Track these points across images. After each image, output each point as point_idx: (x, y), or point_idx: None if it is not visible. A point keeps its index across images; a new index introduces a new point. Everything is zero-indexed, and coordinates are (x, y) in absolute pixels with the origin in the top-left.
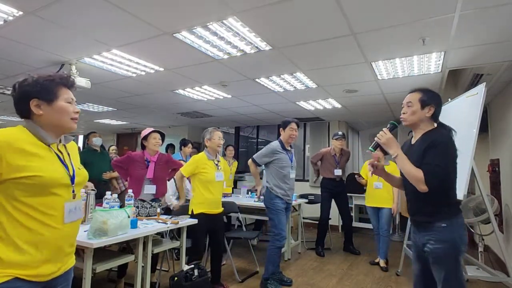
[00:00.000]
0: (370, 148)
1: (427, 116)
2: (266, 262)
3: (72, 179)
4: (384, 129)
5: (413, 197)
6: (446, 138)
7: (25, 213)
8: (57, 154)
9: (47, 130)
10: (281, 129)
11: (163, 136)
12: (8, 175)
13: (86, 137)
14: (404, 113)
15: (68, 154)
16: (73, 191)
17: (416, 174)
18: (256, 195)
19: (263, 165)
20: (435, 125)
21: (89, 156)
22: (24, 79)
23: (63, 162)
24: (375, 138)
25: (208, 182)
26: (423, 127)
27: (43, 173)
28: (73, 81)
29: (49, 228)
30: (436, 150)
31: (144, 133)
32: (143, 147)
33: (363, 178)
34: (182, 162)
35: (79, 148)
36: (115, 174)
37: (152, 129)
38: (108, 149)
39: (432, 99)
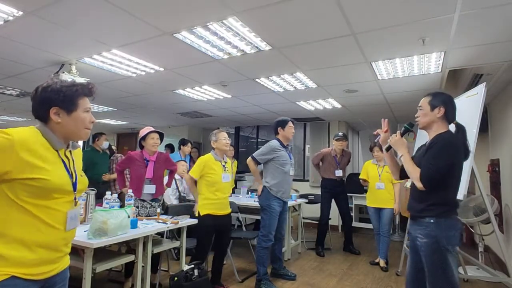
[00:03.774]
0: (383, 149)
1: (438, 117)
2: (256, 263)
3: (74, 186)
4: (398, 132)
5: (412, 192)
6: (444, 140)
7: (27, 213)
8: (63, 160)
9: (58, 136)
10: (279, 128)
11: (162, 136)
12: (17, 175)
13: (94, 137)
14: (417, 117)
15: (73, 161)
16: (75, 198)
17: (414, 173)
18: (256, 194)
19: (262, 164)
20: (449, 127)
21: (92, 157)
22: (48, 85)
23: (67, 168)
24: (388, 140)
25: (214, 183)
26: (436, 129)
27: (49, 176)
28: (93, 90)
29: (50, 229)
30: (432, 151)
31: (142, 133)
32: (141, 147)
33: (365, 180)
34: (182, 161)
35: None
36: (114, 176)
37: (150, 129)
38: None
39: (440, 100)
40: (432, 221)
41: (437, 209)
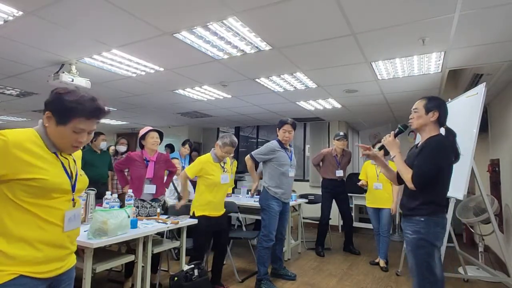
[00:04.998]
0: (376, 148)
1: (432, 120)
2: (257, 263)
3: (73, 186)
4: (391, 132)
5: (404, 191)
6: (436, 143)
7: (26, 211)
8: (61, 161)
9: (51, 140)
10: (277, 128)
11: (161, 135)
12: (14, 175)
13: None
14: (411, 118)
15: (74, 161)
16: (73, 199)
17: (405, 174)
18: (250, 192)
19: (261, 164)
20: (440, 131)
21: (89, 157)
22: (66, 91)
23: (65, 169)
24: (382, 140)
25: (213, 184)
26: (428, 131)
27: (48, 176)
28: (99, 115)
29: (51, 226)
30: (424, 154)
31: (142, 132)
32: (142, 147)
33: (364, 181)
34: (176, 160)
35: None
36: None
37: (150, 128)
38: (108, 150)
39: (435, 105)
40: (422, 219)
41: (427, 208)
